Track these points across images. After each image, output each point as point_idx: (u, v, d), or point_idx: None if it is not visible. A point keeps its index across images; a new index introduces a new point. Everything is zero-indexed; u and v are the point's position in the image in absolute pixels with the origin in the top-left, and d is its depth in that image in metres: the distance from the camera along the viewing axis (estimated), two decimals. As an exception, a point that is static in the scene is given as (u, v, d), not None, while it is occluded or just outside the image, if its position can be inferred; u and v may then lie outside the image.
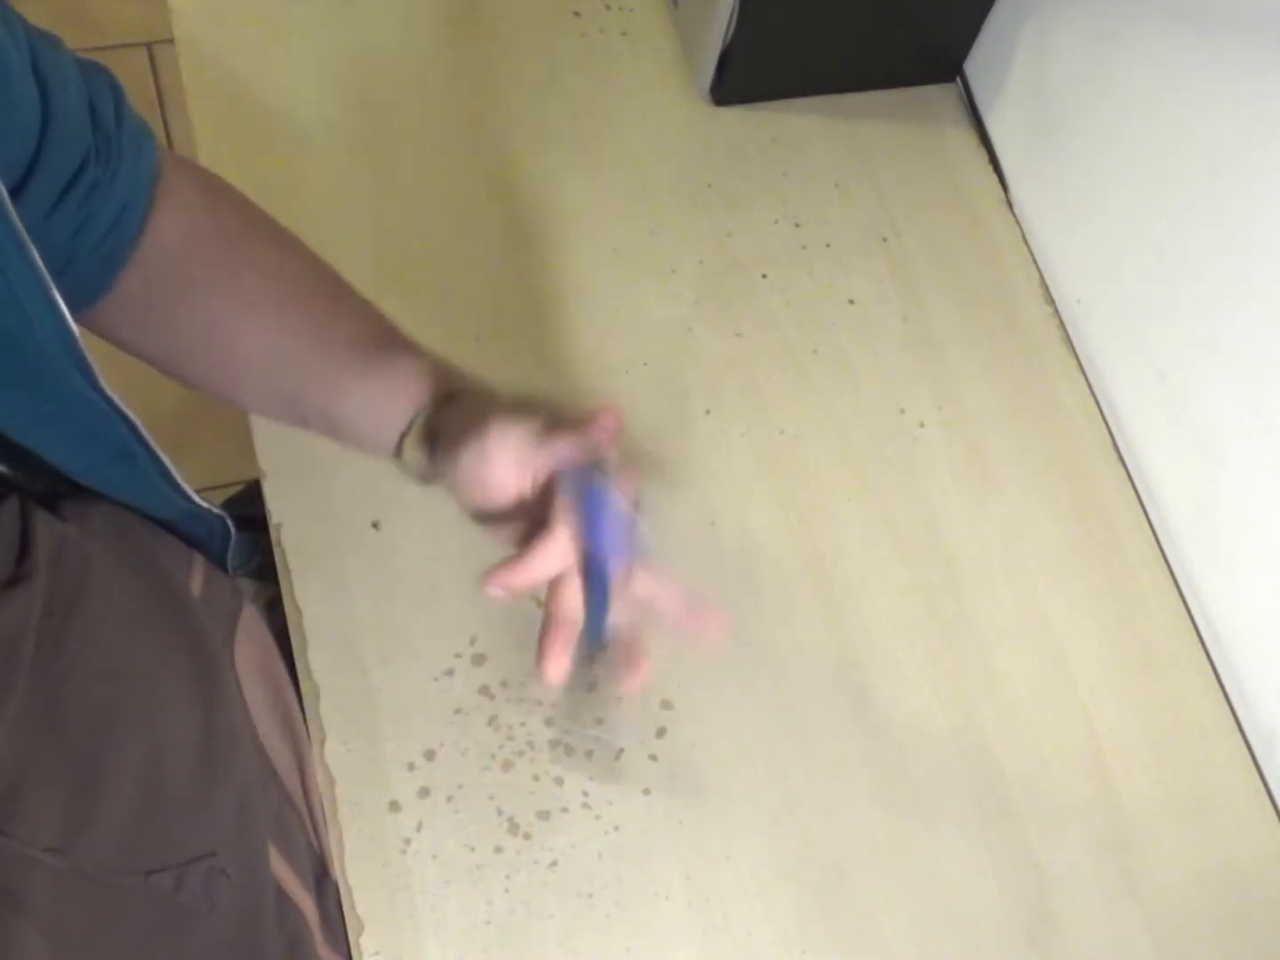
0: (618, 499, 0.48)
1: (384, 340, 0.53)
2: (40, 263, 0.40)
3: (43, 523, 0.45)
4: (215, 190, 0.53)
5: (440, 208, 0.79)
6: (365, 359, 0.52)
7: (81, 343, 0.43)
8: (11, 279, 0.39)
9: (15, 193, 0.42)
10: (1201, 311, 0.69)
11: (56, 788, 0.39)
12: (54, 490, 0.50)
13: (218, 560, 0.62)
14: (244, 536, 0.63)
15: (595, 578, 0.49)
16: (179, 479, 0.53)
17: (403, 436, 0.52)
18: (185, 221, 0.50)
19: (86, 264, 0.48)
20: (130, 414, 0.48)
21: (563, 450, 0.48)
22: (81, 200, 0.45)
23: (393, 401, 0.52)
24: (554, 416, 0.50)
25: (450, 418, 0.51)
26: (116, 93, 0.48)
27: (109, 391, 0.46)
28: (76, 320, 0.45)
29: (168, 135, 1.44)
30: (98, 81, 0.47)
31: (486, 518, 0.51)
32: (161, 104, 1.66)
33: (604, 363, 0.75)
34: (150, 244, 0.49)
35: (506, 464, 0.48)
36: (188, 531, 0.58)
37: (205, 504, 0.56)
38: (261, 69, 0.82)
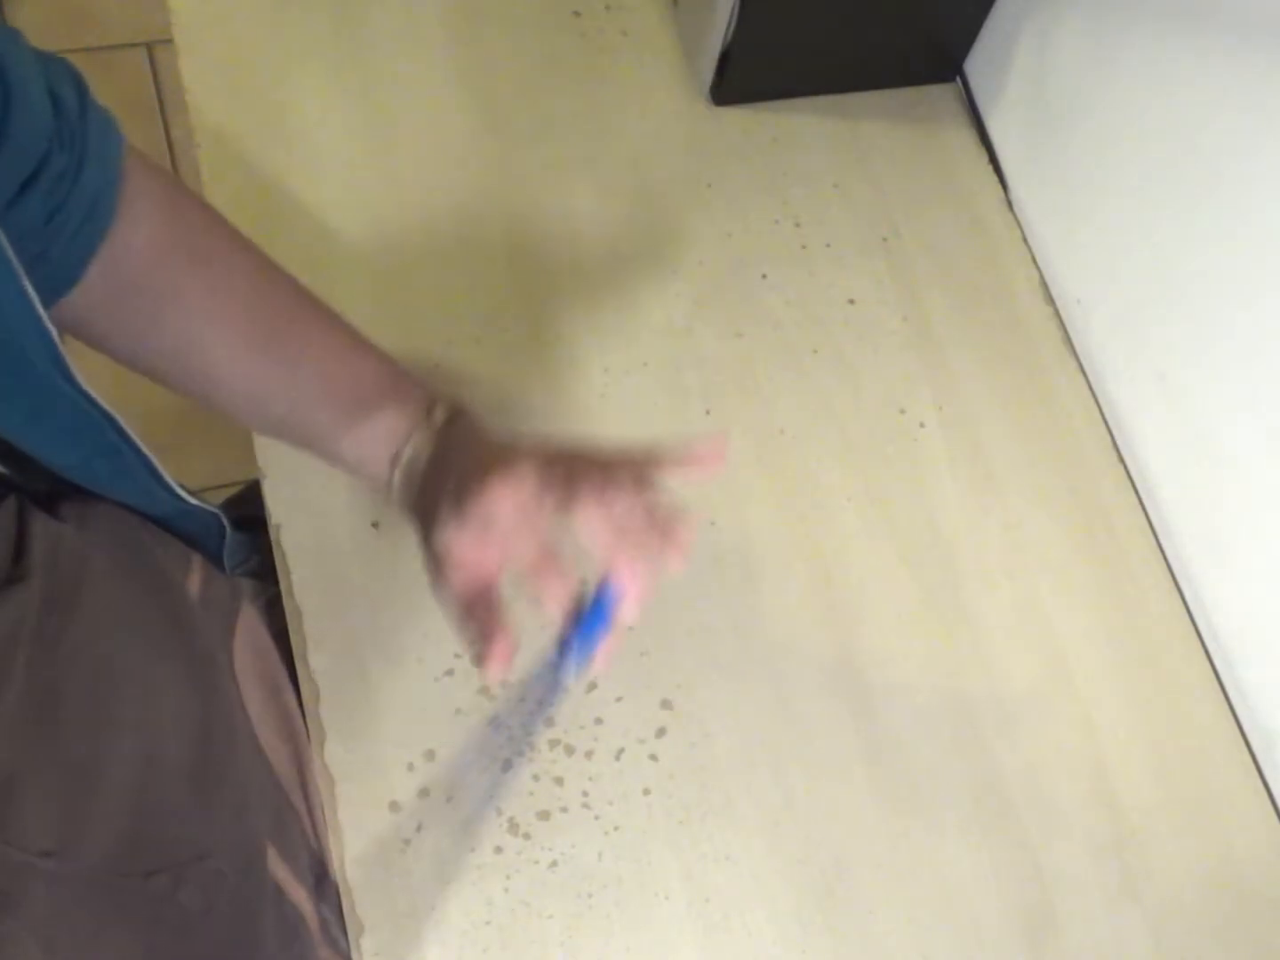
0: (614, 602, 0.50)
1: (361, 386, 0.53)
2: (14, 256, 0.39)
3: (40, 523, 0.45)
4: (182, 198, 0.52)
5: (439, 207, 0.79)
6: (344, 410, 0.52)
7: (57, 338, 0.43)
8: None
9: None
10: (1201, 311, 0.69)
11: (52, 789, 0.39)
12: (54, 490, 0.50)
13: (214, 559, 0.62)
14: (240, 536, 0.63)
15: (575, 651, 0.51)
16: (165, 475, 0.53)
17: (390, 474, 0.53)
18: (154, 225, 0.49)
19: (59, 257, 0.47)
20: (110, 410, 0.47)
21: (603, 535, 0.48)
22: (49, 189, 0.44)
23: (376, 449, 0.53)
24: (571, 464, 0.50)
25: (444, 451, 0.51)
26: (78, 83, 0.47)
27: (85, 386, 0.45)
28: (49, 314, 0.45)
29: (167, 135, 1.44)
30: (58, 71, 0.46)
31: (445, 563, 0.50)
32: (161, 104, 1.66)
33: (604, 363, 0.75)
34: (118, 243, 0.48)
35: (507, 510, 0.47)
36: (184, 529, 0.58)
37: (195, 501, 0.56)
38: (261, 70, 0.81)
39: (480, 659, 0.49)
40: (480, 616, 0.50)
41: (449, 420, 0.53)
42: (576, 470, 0.48)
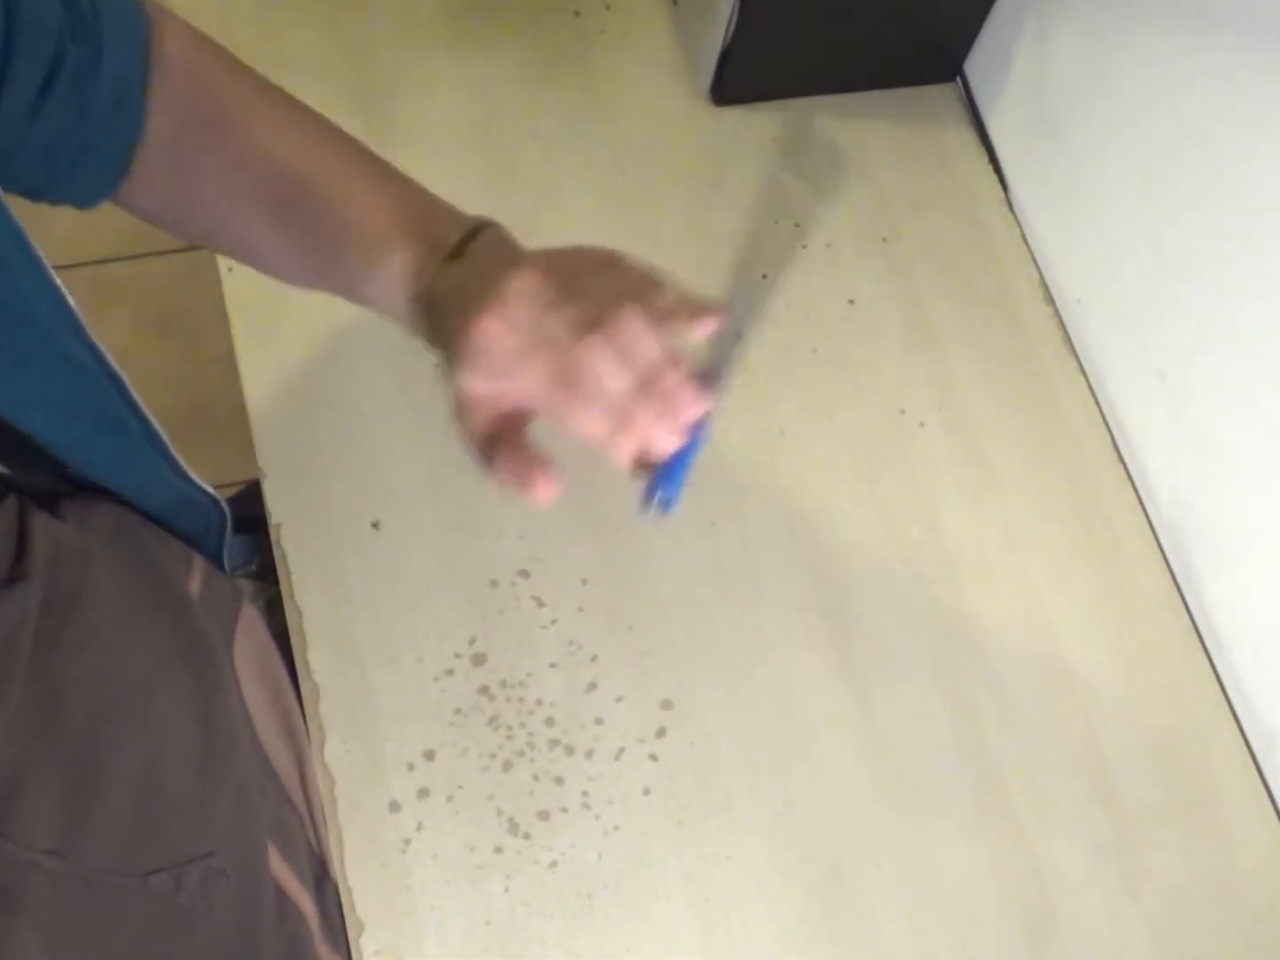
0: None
1: (375, 228, 0.50)
2: (14, 215, 0.39)
3: (41, 523, 0.45)
4: (205, 65, 0.50)
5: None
6: (361, 255, 0.50)
7: (67, 295, 0.43)
8: None
9: None
10: (1201, 311, 0.69)
11: (54, 788, 0.39)
12: (54, 490, 0.50)
13: (215, 556, 0.62)
14: (242, 538, 0.63)
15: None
16: (172, 450, 0.52)
17: (411, 317, 0.49)
18: (179, 103, 0.48)
19: (104, 149, 0.46)
20: (121, 374, 0.47)
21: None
22: (70, 86, 0.43)
23: (394, 291, 0.49)
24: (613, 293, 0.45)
25: (460, 282, 0.47)
26: None
27: (99, 345, 0.45)
28: (114, 203, 0.45)
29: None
30: None
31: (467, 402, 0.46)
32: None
33: (604, 363, 0.75)
34: (152, 124, 0.47)
35: (503, 332, 0.44)
36: (184, 525, 0.58)
37: (199, 482, 0.56)
38: (258, 69, 0.81)
39: (523, 488, 0.46)
40: (506, 450, 0.46)
41: (464, 248, 0.48)
42: (580, 288, 0.45)
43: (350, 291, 0.52)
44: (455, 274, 0.48)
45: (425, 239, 0.49)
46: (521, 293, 0.45)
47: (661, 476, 0.48)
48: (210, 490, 0.57)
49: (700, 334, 0.48)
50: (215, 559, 0.62)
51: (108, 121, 0.46)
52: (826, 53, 0.83)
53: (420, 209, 0.51)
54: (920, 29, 0.83)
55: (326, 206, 0.50)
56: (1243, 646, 0.70)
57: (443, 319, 0.47)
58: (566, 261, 0.48)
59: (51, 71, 0.43)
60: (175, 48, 0.49)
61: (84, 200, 0.49)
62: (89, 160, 0.46)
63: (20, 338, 0.42)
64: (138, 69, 0.46)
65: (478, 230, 0.49)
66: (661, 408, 0.45)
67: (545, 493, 0.46)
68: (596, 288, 0.46)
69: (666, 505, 0.48)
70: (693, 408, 0.47)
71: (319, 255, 0.51)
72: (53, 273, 0.42)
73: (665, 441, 0.46)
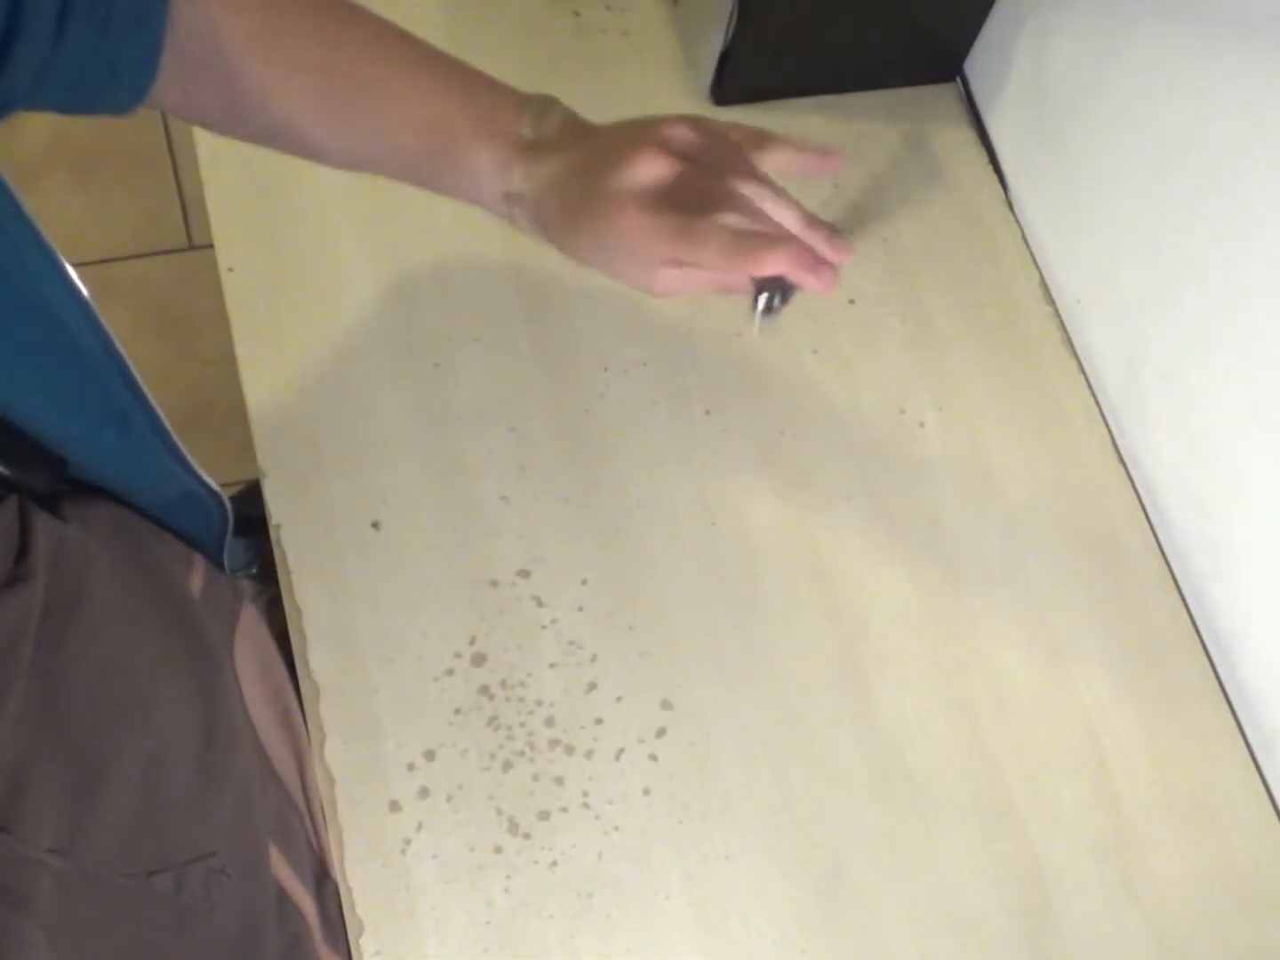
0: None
1: (450, 128, 0.52)
2: (26, 204, 0.39)
3: (42, 523, 0.45)
4: None
5: (439, 208, 0.78)
6: (439, 156, 0.52)
7: (77, 280, 0.43)
8: (2, 221, 0.38)
9: (10, 32, 0.41)
10: (1201, 311, 0.69)
11: (57, 788, 0.39)
12: (55, 490, 0.50)
13: (215, 553, 0.61)
14: (243, 540, 0.63)
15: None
16: (175, 439, 0.52)
17: (510, 212, 0.53)
18: (214, 7, 0.48)
19: (129, 63, 0.46)
20: (128, 361, 0.47)
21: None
22: (88, 5, 0.43)
23: (483, 189, 0.52)
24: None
25: (551, 190, 0.51)
26: None
27: (107, 329, 0.45)
28: (144, 107, 0.46)
29: (168, 135, 1.44)
30: None
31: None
32: (161, 104, 1.65)
33: (603, 362, 0.75)
34: (185, 31, 0.47)
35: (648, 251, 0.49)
36: (186, 523, 0.58)
37: (203, 475, 0.56)
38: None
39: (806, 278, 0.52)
40: (746, 232, 0.50)
41: (543, 134, 0.52)
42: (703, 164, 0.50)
43: (427, 187, 0.54)
44: (546, 171, 0.51)
45: (497, 132, 0.51)
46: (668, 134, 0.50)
47: (772, 285, 0.54)
48: (213, 485, 0.57)
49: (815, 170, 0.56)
50: (215, 558, 0.62)
51: (133, 37, 0.46)
52: (826, 53, 0.83)
53: (483, 97, 0.53)
54: (920, 29, 0.83)
55: (394, 110, 0.52)
56: (1243, 647, 0.70)
57: (552, 220, 0.51)
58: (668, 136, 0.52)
59: None
60: None
61: (117, 111, 0.49)
62: (120, 78, 0.47)
63: (31, 325, 0.42)
64: None
65: (544, 112, 0.52)
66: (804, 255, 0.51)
67: (827, 281, 0.52)
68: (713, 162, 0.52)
69: (772, 311, 0.55)
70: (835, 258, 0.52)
71: (392, 154, 0.53)
72: (64, 261, 0.42)
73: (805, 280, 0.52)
